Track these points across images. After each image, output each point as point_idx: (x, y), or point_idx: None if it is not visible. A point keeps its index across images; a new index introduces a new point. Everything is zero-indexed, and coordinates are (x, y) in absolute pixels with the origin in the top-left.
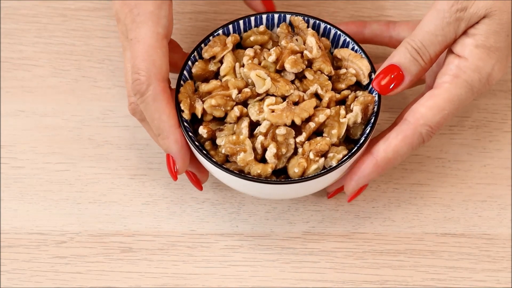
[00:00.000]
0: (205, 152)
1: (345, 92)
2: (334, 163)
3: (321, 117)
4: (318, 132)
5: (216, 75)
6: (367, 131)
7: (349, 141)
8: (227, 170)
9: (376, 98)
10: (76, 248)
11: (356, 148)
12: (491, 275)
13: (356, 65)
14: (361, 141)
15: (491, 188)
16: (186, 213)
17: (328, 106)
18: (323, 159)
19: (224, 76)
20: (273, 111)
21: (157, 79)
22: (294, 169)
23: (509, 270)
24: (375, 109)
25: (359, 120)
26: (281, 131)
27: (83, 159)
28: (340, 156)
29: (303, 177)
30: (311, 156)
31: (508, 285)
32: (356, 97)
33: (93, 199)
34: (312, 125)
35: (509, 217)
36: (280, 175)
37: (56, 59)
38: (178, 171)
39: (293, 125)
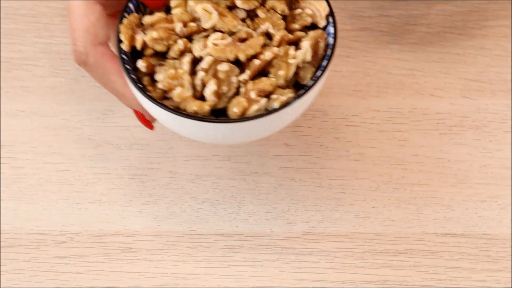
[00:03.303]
0: (140, 86)
1: (299, 34)
2: (276, 105)
3: (267, 55)
4: (265, 74)
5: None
6: (318, 74)
7: (300, 87)
8: (161, 105)
9: (332, 41)
10: (76, 248)
11: (303, 91)
12: (491, 275)
13: (314, 6)
14: (310, 84)
15: (491, 188)
16: (186, 213)
17: (278, 46)
18: (265, 100)
19: (175, 8)
20: (216, 45)
21: (94, 45)
22: (234, 109)
23: (509, 270)
24: (329, 52)
25: (308, 57)
26: (223, 67)
27: (83, 159)
28: (284, 98)
29: (242, 118)
30: (253, 95)
31: (508, 285)
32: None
33: (93, 199)
34: (257, 62)
35: (509, 217)
36: (222, 117)
37: (56, 59)
38: (150, 120)
39: (239, 64)
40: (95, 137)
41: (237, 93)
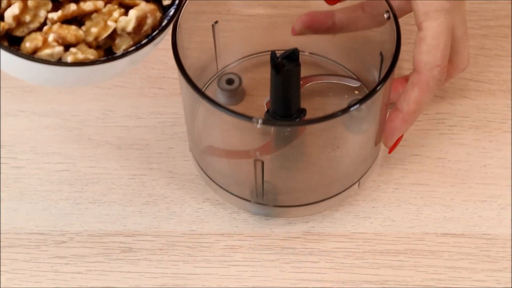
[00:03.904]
0: None
1: (138, 0)
2: (69, 60)
3: (87, 5)
4: (82, 24)
5: None
6: (129, 49)
7: (111, 54)
8: None
9: (164, 23)
10: (76, 248)
11: (104, 59)
12: (491, 275)
13: None
14: (116, 55)
15: (491, 188)
16: (186, 213)
17: (108, 2)
18: (61, 49)
19: None
20: None
21: None
22: (27, 43)
23: (509, 270)
24: (154, 32)
25: (129, 28)
26: None
27: (83, 159)
28: (81, 57)
29: (26, 54)
30: (50, 38)
31: (508, 285)
32: None
33: (93, 199)
34: (72, 7)
35: (509, 217)
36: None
37: None
38: None
39: (59, 3)
40: (95, 137)
41: (40, 29)
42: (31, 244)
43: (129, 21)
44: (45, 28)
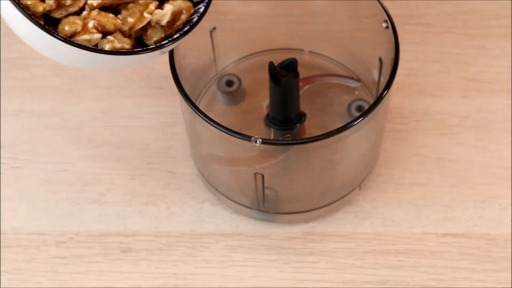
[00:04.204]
0: None
1: None
2: (106, 47)
3: None
4: (117, 12)
5: None
6: (163, 42)
7: (142, 44)
8: None
9: (195, 19)
10: (76, 248)
11: (139, 50)
12: (492, 275)
13: None
14: (149, 47)
15: (492, 189)
16: (186, 213)
17: None
18: (99, 36)
19: None
20: None
21: None
22: (65, 26)
23: (509, 270)
24: (186, 28)
25: (164, 21)
26: None
27: (83, 159)
28: (118, 45)
29: (63, 37)
30: (90, 25)
31: (508, 285)
32: None
33: (93, 199)
34: None
35: (510, 218)
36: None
37: None
38: None
39: None
40: (95, 137)
41: (77, 13)
42: (31, 244)
43: (164, 14)
44: (84, 13)
